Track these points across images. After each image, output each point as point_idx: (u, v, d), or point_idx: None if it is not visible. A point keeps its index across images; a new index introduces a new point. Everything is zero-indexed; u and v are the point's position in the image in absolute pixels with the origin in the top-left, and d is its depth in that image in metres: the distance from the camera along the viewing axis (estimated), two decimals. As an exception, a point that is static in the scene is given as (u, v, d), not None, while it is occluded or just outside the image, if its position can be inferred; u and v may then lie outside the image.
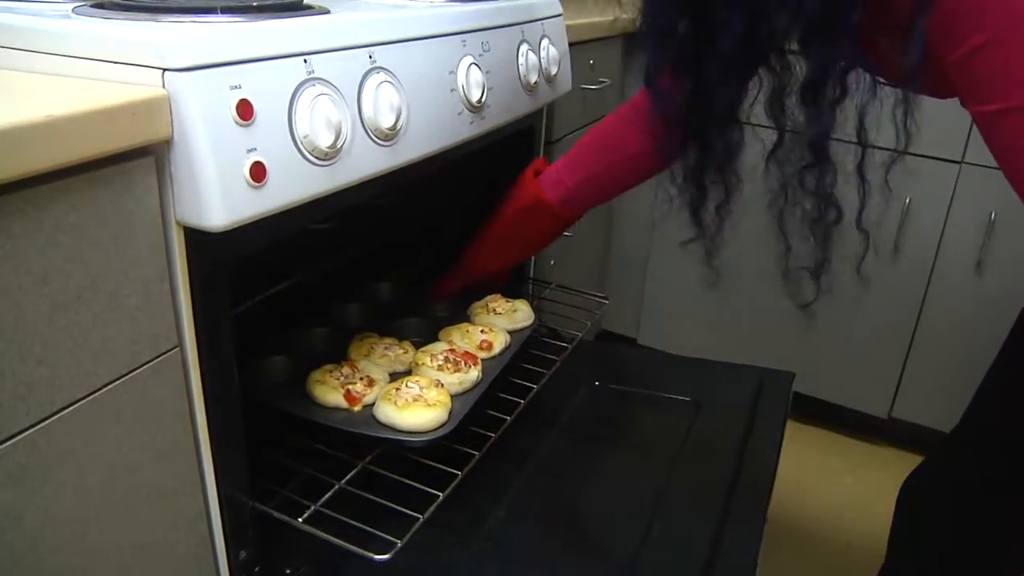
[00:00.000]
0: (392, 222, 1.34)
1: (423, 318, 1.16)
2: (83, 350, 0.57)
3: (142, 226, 0.60)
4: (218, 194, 0.61)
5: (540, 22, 1.15)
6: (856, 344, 1.84)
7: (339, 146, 0.71)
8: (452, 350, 1.01)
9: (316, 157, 0.69)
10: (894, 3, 0.64)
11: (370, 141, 0.76)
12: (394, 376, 0.98)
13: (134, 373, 0.62)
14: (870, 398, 1.88)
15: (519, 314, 1.15)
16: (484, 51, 0.97)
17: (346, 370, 0.95)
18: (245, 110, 0.62)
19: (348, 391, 0.91)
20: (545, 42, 1.16)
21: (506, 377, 1.05)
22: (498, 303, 1.16)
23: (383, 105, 0.76)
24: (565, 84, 1.24)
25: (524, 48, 1.08)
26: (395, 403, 0.88)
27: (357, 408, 0.90)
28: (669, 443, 1.14)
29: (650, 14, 0.74)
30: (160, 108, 0.58)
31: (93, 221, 0.56)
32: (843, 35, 0.65)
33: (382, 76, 0.77)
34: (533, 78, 1.09)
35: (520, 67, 1.07)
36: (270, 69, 0.66)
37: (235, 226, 0.63)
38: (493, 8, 1.02)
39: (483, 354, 1.03)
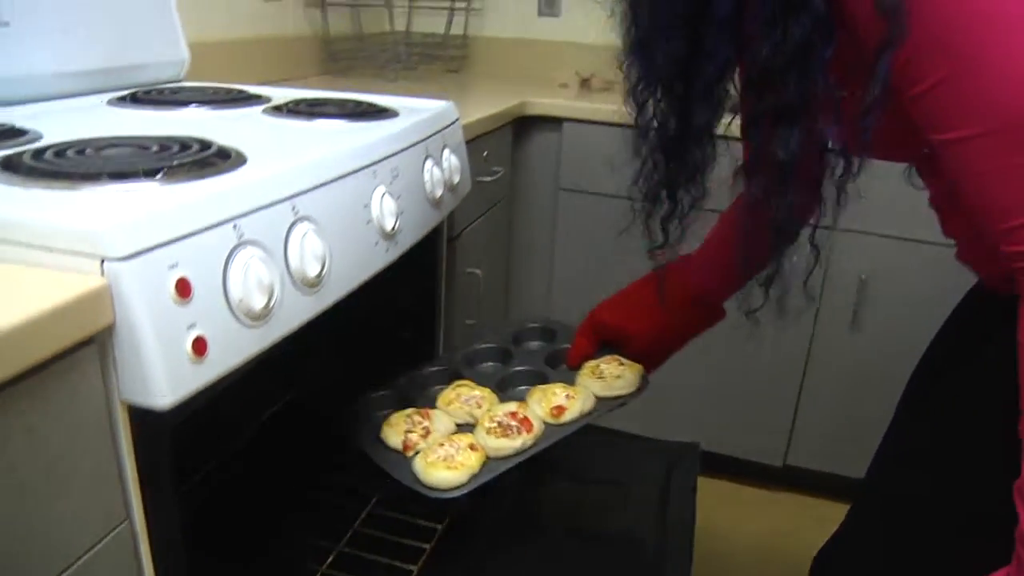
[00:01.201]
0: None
1: (537, 369, 1.20)
2: (35, 537, 0.57)
3: (89, 411, 0.61)
4: (163, 374, 0.62)
5: (441, 133, 1.20)
6: (750, 399, 1.95)
7: (271, 305, 0.73)
8: (514, 413, 1.06)
9: (251, 319, 0.71)
10: (861, 41, 0.70)
11: (298, 293, 0.78)
12: (461, 427, 1.08)
13: (85, 557, 0.62)
14: (766, 448, 1.99)
15: (620, 381, 1.13)
16: (394, 177, 1.01)
17: (417, 418, 1.07)
18: (183, 288, 0.64)
19: (407, 438, 1.03)
20: (447, 152, 1.21)
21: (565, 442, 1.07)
22: (610, 366, 1.15)
23: (308, 255, 0.79)
24: (465, 187, 1.29)
25: (429, 164, 1.12)
26: (426, 459, 0.98)
27: (409, 454, 1.01)
28: (581, 527, 1.19)
29: (644, 32, 0.81)
30: (102, 298, 0.59)
31: (39, 419, 0.56)
32: (818, 67, 0.72)
33: (305, 226, 0.80)
34: (439, 192, 1.14)
35: (426, 184, 1.11)
36: (203, 241, 0.67)
37: (180, 402, 0.64)
38: (400, 131, 1.06)
39: (550, 420, 1.06)
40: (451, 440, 1.01)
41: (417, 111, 1.20)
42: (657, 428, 2.01)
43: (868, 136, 0.72)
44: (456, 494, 0.95)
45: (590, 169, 1.89)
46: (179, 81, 1.49)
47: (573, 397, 1.08)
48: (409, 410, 1.09)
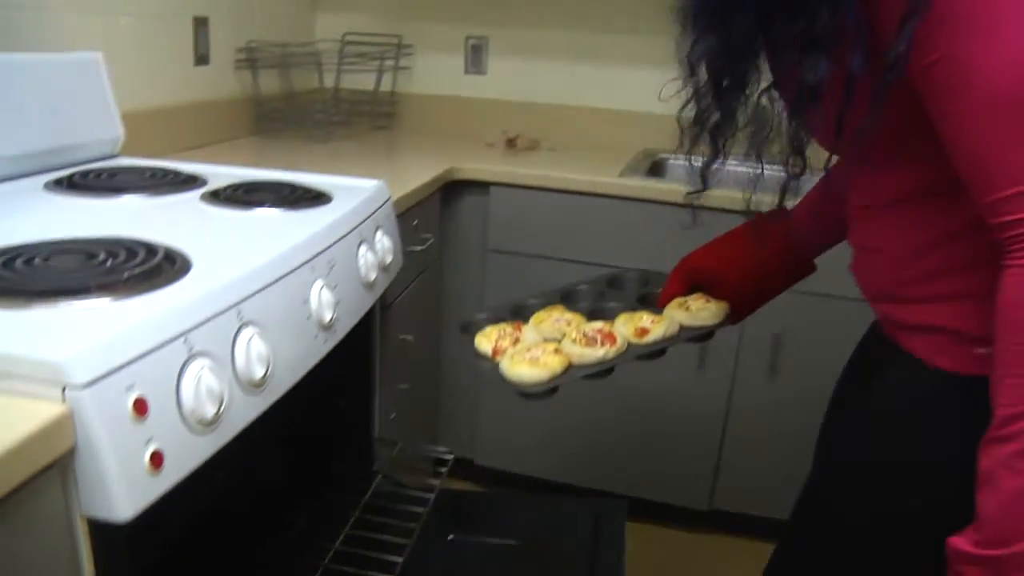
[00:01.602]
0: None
1: (628, 307, 1.21)
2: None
3: (50, 526, 0.65)
4: (123, 489, 0.67)
5: (374, 216, 1.26)
6: (675, 446, 2.05)
7: (221, 411, 0.78)
8: (601, 329, 1.09)
9: (203, 426, 0.76)
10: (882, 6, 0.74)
11: (245, 396, 0.83)
12: (547, 341, 1.10)
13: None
14: (691, 493, 2.09)
15: (705, 312, 1.15)
16: (330, 268, 1.06)
17: (509, 329, 1.11)
18: (141, 407, 0.68)
19: (497, 344, 1.08)
20: (379, 233, 1.27)
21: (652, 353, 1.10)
22: (697, 301, 1.17)
23: (254, 358, 0.84)
24: (397, 265, 1.35)
25: (363, 249, 1.18)
26: (512, 358, 1.03)
27: (498, 359, 1.06)
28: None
29: None
30: (64, 425, 0.64)
31: (4, 540, 0.61)
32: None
33: (250, 330, 0.85)
34: (372, 275, 1.20)
35: (361, 270, 1.17)
36: (157, 358, 0.72)
37: (139, 514, 0.68)
38: (335, 220, 1.12)
39: (634, 339, 1.09)
40: (538, 345, 1.06)
41: (350, 193, 1.26)
42: (586, 475, 2.10)
43: (880, 106, 0.77)
44: (537, 389, 1.00)
45: (517, 230, 1.97)
46: (115, 157, 1.53)
47: (658, 322, 1.12)
48: (502, 324, 1.13)
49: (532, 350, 1.04)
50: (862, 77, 0.77)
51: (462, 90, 2.56)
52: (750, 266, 1.17)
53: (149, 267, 0.85)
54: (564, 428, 2.10)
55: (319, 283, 1.02)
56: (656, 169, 2.24)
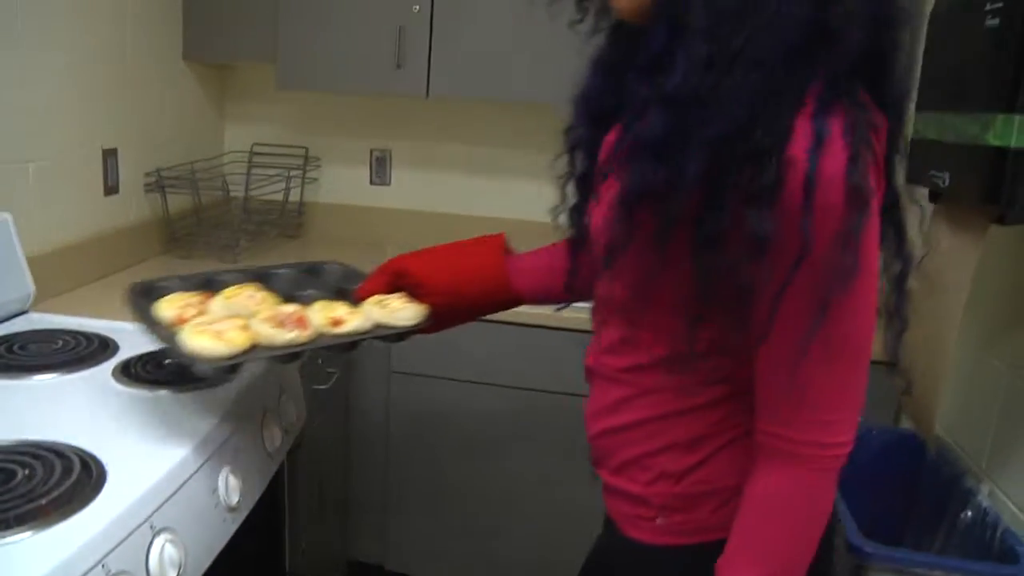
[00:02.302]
0: None
1: (326, 295, 1.18)
2: None
3: None
4: None
5: (279, 382, 1.36)
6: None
7: (137, 626, 0.87)
8: (292, 313, 1.05)
9: (119, 645, 0.85)
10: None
11: (159, 601, 0.92)
12: (236, 317, 1.04)
13: None
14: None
15: (403, 312, 1.11)
16: (236, 452, 1.16)
17: (195, 299, 1.08)
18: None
19: (180, 314, 1.04)
20: (284, 398, 1.37)
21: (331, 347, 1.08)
22: (396, 300, 1.13)
23: (167, 564, 0.94)
24: (302, 418, 1.45)
25: (268, 419, 1.28)
26: (194, 328, 0.98)
27: (179, 328, 1.01)
28: None
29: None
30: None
31: None
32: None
33: (163, 538, 0.95)
34: (277, 442, 1.30)
35: (265, 442, 1.26)
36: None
37: None
38: (238, 396, 1.21)
39: (327, 328, 1.06)
40: (224, 320, 1.01)
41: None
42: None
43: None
44: (215, 364, 0.95)
45: (420, 349, 2.08)
46: (25, 313, 1.59)
47: (354, 315, 1.08)
48: (189, 293, 1.09)
49: (219, 323, 0.99)
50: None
51: (367, 200, 2.68)
52: (458, 280, 1.15)
53: (67, 486, 0.94)
54: (475, 533, 2.20)
55: (226, 470, 1.12)
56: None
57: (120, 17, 2.07)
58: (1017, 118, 1.08)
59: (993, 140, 1.11)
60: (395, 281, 1.16)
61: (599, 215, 0.92)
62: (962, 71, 1.24)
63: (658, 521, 0.95)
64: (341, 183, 2.69)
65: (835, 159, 0.74)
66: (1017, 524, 1.33)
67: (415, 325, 1.11)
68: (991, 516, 1.35)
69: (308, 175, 2.67)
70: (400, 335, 1.10)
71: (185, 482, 1.02)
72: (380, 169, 2.67)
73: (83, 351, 1.38)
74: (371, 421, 2.17)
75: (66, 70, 1.86)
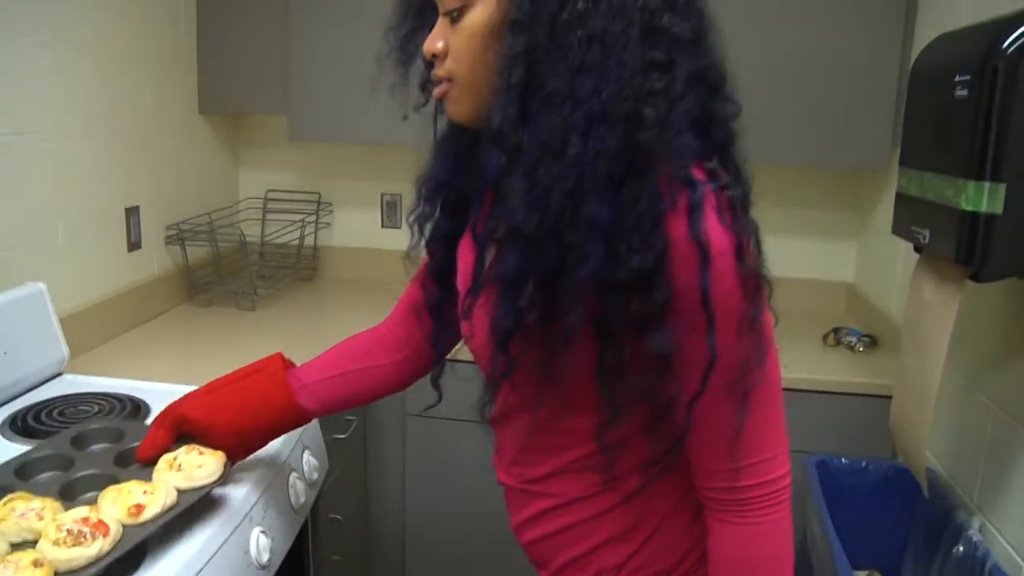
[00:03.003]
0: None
1: (106, 472, 1.10)
2: None
3: None
4: None
5: (299, 438, 1.44)
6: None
7: None
8: (86, 518, 0.93)
9: None
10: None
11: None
12: (18, 547, 0.92)
13: None
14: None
15: (202, 470, 1.05)
16: (265, 511, 1.24)
17: None
18: None
19: None
20: (306, 455, 1.45)
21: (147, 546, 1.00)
22: (189, 456, 1.06)
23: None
24: (324, 470, 1.53)
25: (293, 478, 1.36)
26: None
27: None
28: None
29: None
30: None
31: None
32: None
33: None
34: (303, 498, 1.38)
35: (291, 498, 1.34)
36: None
37: None
38: (269, 458, 1.29)
39: (129, 520, 0.97)
40: (6, 561, 0.86)
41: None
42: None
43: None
44: None
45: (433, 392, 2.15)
46: (59, 375, 1.68)
47: (151, 493, 0.99)
48: None
49: (1, 566, 0.85)
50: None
51: (378, 243, 2.77)
52: (241, 418, 1.10)
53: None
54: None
55: (257, 530, 1.19)
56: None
57: (142, 78, 2.18)
58: (987, 185, 1.16)
59: (966, 205, 1.19)
60: (178, 429, 1.10)
61: (477, 338, 0.92)
62: (937, 134, 1.31)
63: None
64: (353, 226, 2.79)
65: (723, 259, 0.75)
66: (1007, 559, 1.39)
67: (218, 480, 1.06)
68: (981, 551, 1.41)
69: (321, 219, 2.76)
70: (208, 494, 1.06)
71: (220, 547, 1.10)
72: (391, 212, 2.76)
73: (119, 414, 1.46)
74: (388, 465, 2.24)
75: (90, 131, 1.97)
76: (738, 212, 0.78)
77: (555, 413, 0.91)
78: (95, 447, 1.21)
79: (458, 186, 0.98)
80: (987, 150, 1.15)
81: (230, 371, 1.16)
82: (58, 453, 1.16)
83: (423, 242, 1.04)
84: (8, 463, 1.12)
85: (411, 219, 1.03)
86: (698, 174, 0.77)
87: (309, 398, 1.13)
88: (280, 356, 1.17)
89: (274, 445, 1.34)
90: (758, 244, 0.79)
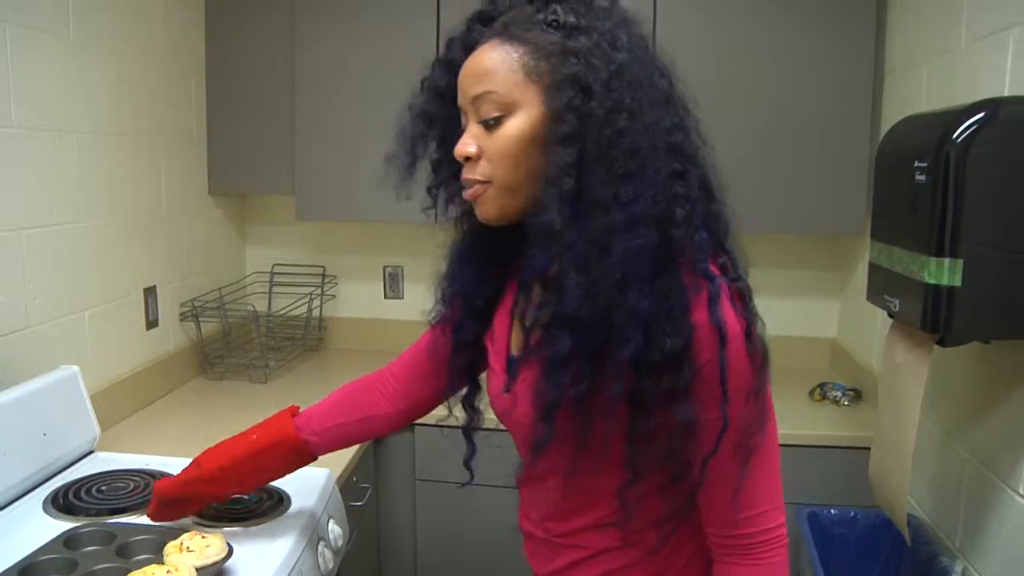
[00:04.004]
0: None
1: (115, 564, 1.17)
2: None
3: None
4: None
5: (325, 507, 1.53)
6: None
7: None
8: None
9: None
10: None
11: None
12: None
13: None
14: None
15: (211, 548, 1.16)
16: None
17: None
18: None
19: None
20: (331, 524, 1.54)
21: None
22: (194, 540, 1.17)
23: None
24: (346, 535, 1.62)
25: (320, 546, 1.45)
26: None
27: None
28: None
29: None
30: None
31: None
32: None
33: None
34: (329, 564, 1.46)
35: (320, 566, 1.43)
36: None
37: None
38: (300, 528, 1.38)
39: None
40: None
41: (302, 488, 1.52)
42: None
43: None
44: None
45: (443, 456, 2.24)
46: (92, 453, 1.77)
47: (176, 572, 1.08)
48: None
49: None
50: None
51: (382, 313, 2.89)
52: (240, 443, 1.28)
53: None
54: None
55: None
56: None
57: (156, 166, 2.31)
58: (947, 261, 1.29)
59: (928, 278, 1.31)
60: (175, 509, 1.29)
61: (520, 410, 1.01)
62: (902, 212, 1.43)
63: None
64: (358, 298, 2.90)
65: (736, 341, 0.88)
66: (988, 602, 1.49)
67: (229, 554, 1.20)
68: (964, 595, 1.51)
69: (327, 292, 2.87)
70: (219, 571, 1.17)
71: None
72: (393, 284, 2.88)
73: (144, 494, 1.54)
74: (399, 530, 2.32)
75: (110, 218, 2.08)
76: (746, 300, 0.91)
77: (582, 475, 1.00)
78: (90, 548, 1.27)
79: (484, 293, 1.10)
80: (945, 229, 1.28)
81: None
82: (61, 562, 1.21)
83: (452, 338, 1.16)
84: (17, 564, 1.17)
85: (431, 317, 1.18)
86: (713, 268, 0.90)
87: (318, 451, 1.29)
88: (291, 408, 1.31)
89: (303, 515, 1.44)
90: (761, 327, 0.92)
